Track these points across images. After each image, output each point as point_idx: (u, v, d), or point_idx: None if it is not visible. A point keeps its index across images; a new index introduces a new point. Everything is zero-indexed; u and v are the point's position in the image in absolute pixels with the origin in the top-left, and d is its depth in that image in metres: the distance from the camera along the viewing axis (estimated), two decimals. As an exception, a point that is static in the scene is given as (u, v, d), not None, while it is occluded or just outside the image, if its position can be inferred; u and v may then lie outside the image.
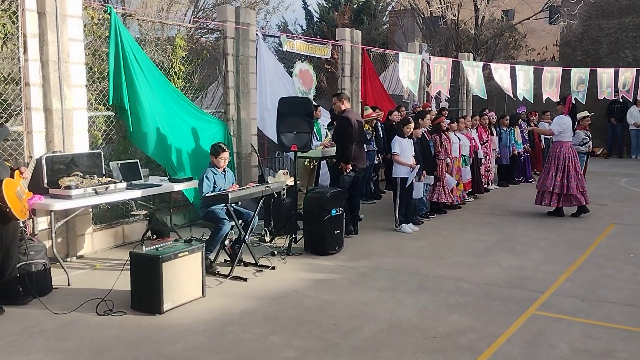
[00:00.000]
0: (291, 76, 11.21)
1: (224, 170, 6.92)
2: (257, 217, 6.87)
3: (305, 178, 9.83)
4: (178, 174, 7.84)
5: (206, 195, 6.51)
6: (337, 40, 12.74)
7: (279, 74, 10.92)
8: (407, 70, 13.79)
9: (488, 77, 17.40)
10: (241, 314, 5.39)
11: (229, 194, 6.23)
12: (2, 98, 6.75)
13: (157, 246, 5.55)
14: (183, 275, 5.53)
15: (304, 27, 27.39)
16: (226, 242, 6.76)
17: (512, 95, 16.61)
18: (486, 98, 16.54)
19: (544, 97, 16.94)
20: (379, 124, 11.45)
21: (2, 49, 6.80)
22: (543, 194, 9.69)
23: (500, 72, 16.39)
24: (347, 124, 7.90)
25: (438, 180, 9.78)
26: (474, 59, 17.89)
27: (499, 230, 8.81)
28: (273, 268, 6.75)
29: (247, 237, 6.67)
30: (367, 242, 8.03)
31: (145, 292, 5.36)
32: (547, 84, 16.97)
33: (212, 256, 6.59)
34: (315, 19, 27.23)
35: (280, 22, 26.34)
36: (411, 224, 8.81)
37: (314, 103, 10.95)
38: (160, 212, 8.20)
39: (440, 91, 15.32)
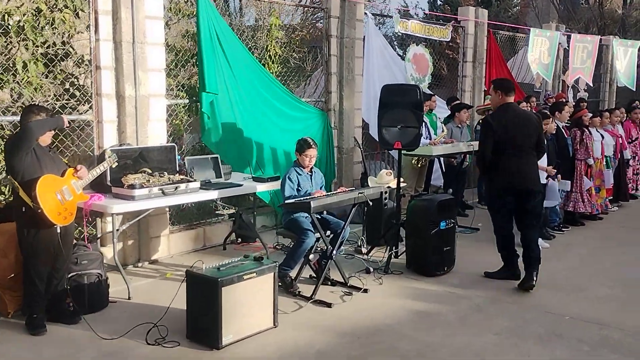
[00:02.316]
0: (403, 60, 9.91)
1: (311, 171, 5.81)
2: (347, 229, 5.70)
3: (412, 179, 8.50)
4: (260, 172, 6.83)
5: (286, 201, 5.44)
6: (459, 20, 11.21)
7: (388, 59, 9.65)
8: (539, 51, 11.86)
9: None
10: (316, 356, 4.29)
11: (312, 203, 5.10)
12: (71, 82, 6.12)
13: (219, 264, 4.57)
14: (249, 302, 4.51)
15: (426, 12, 25.74)
16: (311, 257, 5.66)
17: None
18: (634, 89, 14.20)
19: None
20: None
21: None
22: None
23: None
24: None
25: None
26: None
27: (657, 253, 7.06)
28: (365, 291, 5.58)
29: (334, 252, 5.54)
30: (484, 260, 6.44)
31: (203, 321, 4.40)
32: None
33: (292, 273, 5.54)
34: (438, 2, 25.48)
35: (399, 6, 24.85)
36: (540, 239, 7.25)
37: (428, 92, 9.62)
38: (248, 212, 7.29)
39: (579, 79, 13.26)
